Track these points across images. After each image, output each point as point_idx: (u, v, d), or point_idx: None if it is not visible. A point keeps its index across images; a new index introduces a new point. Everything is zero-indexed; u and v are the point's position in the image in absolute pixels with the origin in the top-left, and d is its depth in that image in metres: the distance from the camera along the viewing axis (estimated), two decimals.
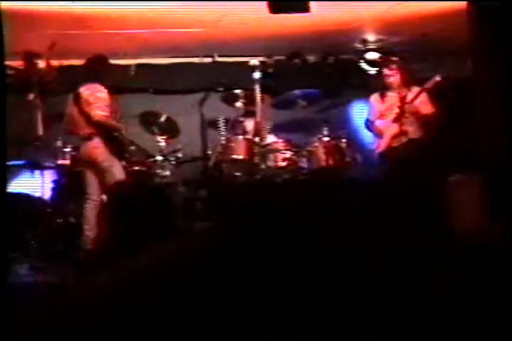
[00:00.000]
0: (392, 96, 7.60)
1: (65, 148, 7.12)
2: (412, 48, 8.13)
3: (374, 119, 7.81)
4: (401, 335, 1.25)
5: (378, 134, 7.71)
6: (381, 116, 7.69)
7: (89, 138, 6.89)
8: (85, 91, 6.94)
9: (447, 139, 7.31)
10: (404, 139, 7.45)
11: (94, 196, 6.75)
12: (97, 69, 7.16)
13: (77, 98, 6.97)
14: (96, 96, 6.83)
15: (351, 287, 1.28)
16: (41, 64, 7.37)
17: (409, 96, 7.42)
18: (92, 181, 6.86)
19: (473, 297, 1.32)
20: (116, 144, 6.97)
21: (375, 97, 7.84)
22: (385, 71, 7.70)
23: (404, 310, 1.27)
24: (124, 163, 6.94)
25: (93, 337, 1.23)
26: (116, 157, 6.89)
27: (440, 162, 7.01)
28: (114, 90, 7.13)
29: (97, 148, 6.88)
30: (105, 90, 6.92)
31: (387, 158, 7.49)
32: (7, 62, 6.32)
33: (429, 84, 7.35)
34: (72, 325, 1.25)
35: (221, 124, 8.17)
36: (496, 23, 4.22)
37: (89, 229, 6.47)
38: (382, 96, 7.73)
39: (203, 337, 1.22)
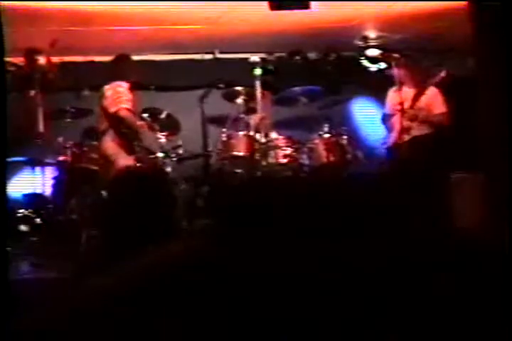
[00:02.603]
0: (406, 92, 7.58)
1: (66, 144, 7.13)
2: (413, 45, 8.12)
3: (390, 113, 7.81)
4: (400, 335, 1.25)
5: (390, 128, 7.73)
6: (395, 110, 7.69)
7: (103, 132, 7.07)
8: (106, 86, 7.15)
9: (452, 136, 7.33)
10: (410, 136, 7.43)
11: None
12: (121, 67, 7.33)
13: (101, 95, 7.19)
14: (116, 91, 7.00)
15: (352, 285, 1.28)
16: (42, 60, 7.37)
17: (419, 92, 7.43)
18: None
19: (472, 297, 1.32)
20: (126, 140, 7.08)
21: (392, 91, 7.82)
22: (394, 67, 7.69)
23: (404, 311, 1.27)
24: (133, 158, 7.02)
25: (94, 338, 1.24)
26: (125, 152, 7.01)
27: (444, 159, 7.02)
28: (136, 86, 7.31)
29: (108, 141, 7.05)
30: (125, 86, 7.07)
31: (393, 153, 7.50)
32: (8, 59, 6.33)
33: (435, 80, 7.36)
34: (73, 326, 1.25)
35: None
36: (496, 22, 4.22)
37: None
38: (399, 90, 7.71)
39: (203, 338, 1.23)
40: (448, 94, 7.57)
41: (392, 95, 7.81)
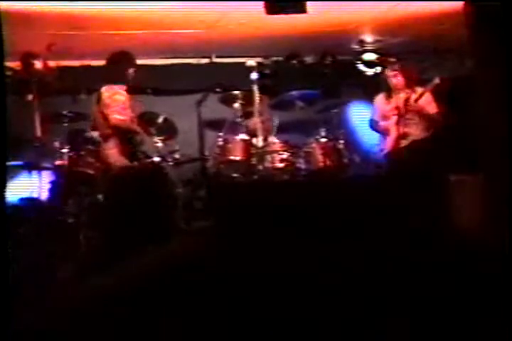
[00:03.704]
0: (397, 98, 7.59)
1: (63, 148, 7.12)
2: (410, 49, 8.13)
3: (378, 119, 7.81)
4: (398, 335, 1.25)
5: (385, 134, 7.71)
6: (386, 117, 7.68)
7: (105, 139, 7.03)
8: (105, 92, 7.09)
9: (451, 139, 7.33)
10: (408, 140, 7.43)
11: None
12: (121, 68, 7.26)
13: (99, 98, 7.13)
14: (113, 99, 6.96)
15: (351, 285, 1.28)
16: (39, 65, 7.36)
17: (413, 97, 7.40)
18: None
19: (472, 297, 1.32)
20: (130, 147, 7.06)
21: (380, 98, 7.83)
22: (388, 72, 7.70)
23: (404, 311, 1.27)
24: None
25: (94, 338, 1.23)
26: (127, 159, 6.98)
27: (443, 162, 7.02)
28: (133, 90, 7.26)
29: (110, 149, 7.00)
30: (124, 92, 7.04)
31: (392, 159, 7.49)
32: (5, 63, 6.31)
33: (429, 87, 7.35)
34: (73, 326, 1.25)
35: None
36: (495, 22, 4.22)
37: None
38: (388, 96, 7.71)
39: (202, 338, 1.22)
40: (447, 95, 7.57)
41: (380, 101, 7.82)
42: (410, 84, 7.54)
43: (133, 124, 7.17)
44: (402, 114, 7.42)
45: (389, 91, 7.72)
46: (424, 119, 7.44)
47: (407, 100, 7.41)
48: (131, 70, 7.25)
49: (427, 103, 7.46)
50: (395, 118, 7.51)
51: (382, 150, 7.72)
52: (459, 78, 7.51)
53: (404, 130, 7.43)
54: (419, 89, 7.43)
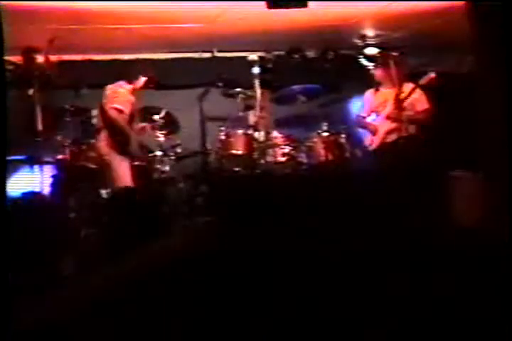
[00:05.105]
0: (385, 92, 7.54)
1: (65, 142, 7.14)
2: (411, 44, 8.11)
3: (365, 115, 7.77)
4: (398, 335, 1.25)
5: (372, 131, 7.62)
6: (374, 112, 7.64)
7: (98, 131, 7.16)
8: (109, 85, 7.23)
9: (446, 137, 7.30)
10: (397, 135, 7.32)
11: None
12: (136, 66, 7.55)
13: (103, 92, 7.26)
14: (115, 91, 7.03)
15: (351, 282, 1.28)
16: (40, 59, 7.37)
17: (404, 93, 7.29)
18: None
19: (472, 296, 1.32)
20: (121, 139, 7.07)
21: (369, 93, 7.79)
22: (377, 66, 7.66)
23: (403, 309, 1.27)
24: (126, 158, 7.04)
25: (93, 336, 1.24)
26: (118, 152, 7.00)
27: (437, 158, 6.99)
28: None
29: (102, 141, 7.08)
30: (127, 87, 7.08)
31: (381, 154, 7.41)
32: (6, 57, 6.31)
33: (423, 81, 7.26)
34: (73, 324, 1.25)
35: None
36: (496, 21, 4.21)
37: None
38: (376, 92, 7.68)
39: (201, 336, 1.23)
40: (446, 93, 7.54)
41: (369, 96, 7.77)
42: (399, 79, 7.38)
43: (128, 123, 7.19)
44: (395, 108, 7.28)
45: (377, 86, 7.68)
46: (414, 115, 7.33)
47: (397, 96, 7.26)
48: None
49: (417, 100, 7.39)
50: (384, 113, 7.44)
51: (369, 145, 7.63)
52: (458, 75, 7.47)
53: (395, 125, 7.30)
54: (409, 85, 7.34)
